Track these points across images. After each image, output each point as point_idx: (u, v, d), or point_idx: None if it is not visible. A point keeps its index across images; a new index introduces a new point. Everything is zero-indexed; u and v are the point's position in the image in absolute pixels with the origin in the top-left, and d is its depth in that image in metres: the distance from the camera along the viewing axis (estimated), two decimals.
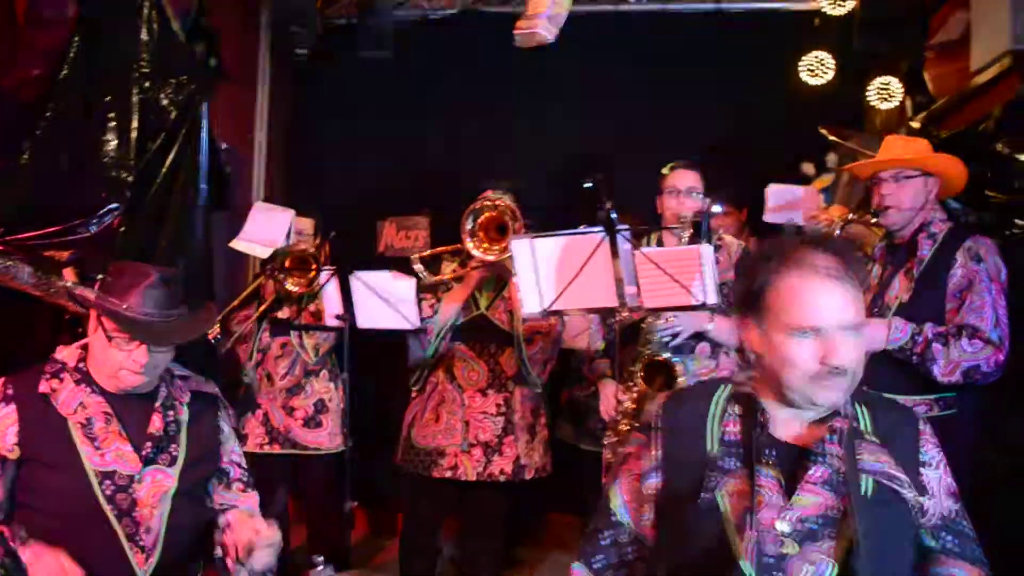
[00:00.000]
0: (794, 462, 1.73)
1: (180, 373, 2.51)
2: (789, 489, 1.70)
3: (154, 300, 2.27)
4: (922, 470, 1.76)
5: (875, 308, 3.12)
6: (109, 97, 3.81)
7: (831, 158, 4.43)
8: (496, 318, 3.70)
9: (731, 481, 1.74)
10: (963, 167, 3.12)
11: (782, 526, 1.68)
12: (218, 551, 2.39)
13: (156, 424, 2.34)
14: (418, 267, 3.59)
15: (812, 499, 1.69)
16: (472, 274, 3.61)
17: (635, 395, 3.28)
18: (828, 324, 1.66)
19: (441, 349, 3.69)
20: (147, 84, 3.90)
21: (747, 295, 1.78)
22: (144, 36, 3.90)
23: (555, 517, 5.49)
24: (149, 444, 2.32)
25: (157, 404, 2.37)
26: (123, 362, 2.26)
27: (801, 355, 1.67)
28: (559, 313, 3.22)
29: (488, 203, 3.48)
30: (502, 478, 3.63)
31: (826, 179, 4.39)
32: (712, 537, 1.71)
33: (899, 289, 3.07)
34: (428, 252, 3.71)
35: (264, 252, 4.11)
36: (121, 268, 2.36)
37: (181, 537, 2.35)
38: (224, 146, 4.57)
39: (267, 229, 4.19)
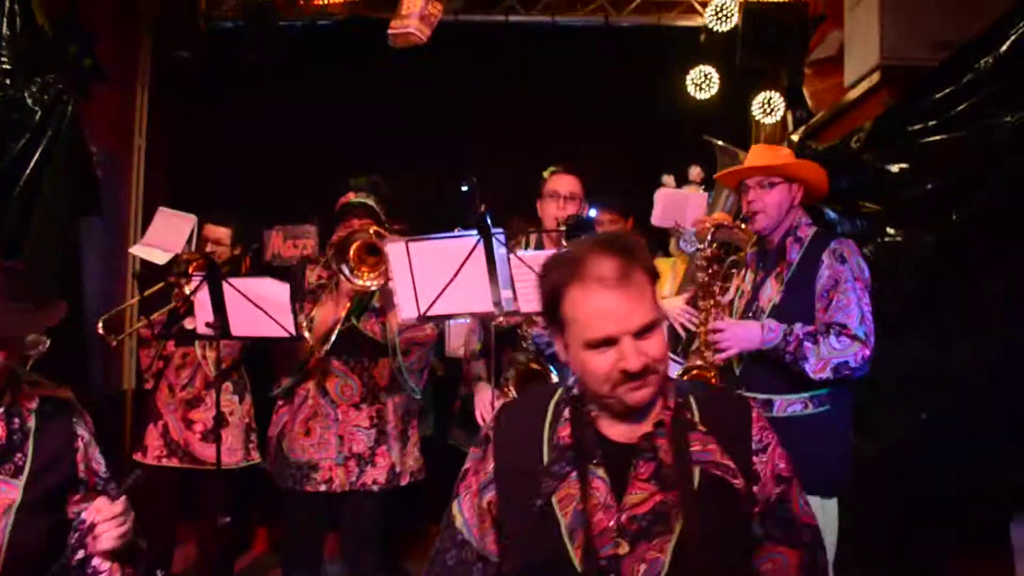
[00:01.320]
0: (622, 460, 1.71)
1: (28, 379, 2.37)
2: (620, 488, 1.69)
3: None
4: (754, 458, 1.75)
5: (750, 312, 3.22)
6: None
7: (694, 170, 4.56)
8: (368, 330, 3.63)
9: (563, 486, 1.71)
10: (823, 173, 3.23)
11: (612, 526, 1.66)
12: (80, 554, 2.26)
13: None
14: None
15: (642, 496, 1.68)
16: (344, 292, 3.53)
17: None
18: (615, 333, 1.63)
19: (311, 360, 3.61)
20: (7, 81, 3.73)
21: (546, 310, 1.75)
22: (5, 30, 3.73)
23: None
24: None
25: (0, 411, 2.23)
26: None
27: (599, 365, 1.65)
28: (436, 319, 3.17)
29: (355, 232, 3.40)
30: (375, 487, 3.59)
31: (693, 189, 4.51)
32: (549, 544, 1.68)
33: (771, 292, 3.17)
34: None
35: (163, 258, 3.96)
36: None
37: (26, 553, 2.20)
38: (94, 149, 4.39)
39: (168, 235, 4.05)
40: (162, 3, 5.47)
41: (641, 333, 1.64)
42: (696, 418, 1.75)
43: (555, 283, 1.70)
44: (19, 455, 2.22)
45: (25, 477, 2.21)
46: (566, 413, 1.78)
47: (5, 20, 3.72)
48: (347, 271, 3.38)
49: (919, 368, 3.62)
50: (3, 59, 3.73)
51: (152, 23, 5.71)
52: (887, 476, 3.62)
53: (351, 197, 3.65)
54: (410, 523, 4.97)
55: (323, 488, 3.55)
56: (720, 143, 4.42)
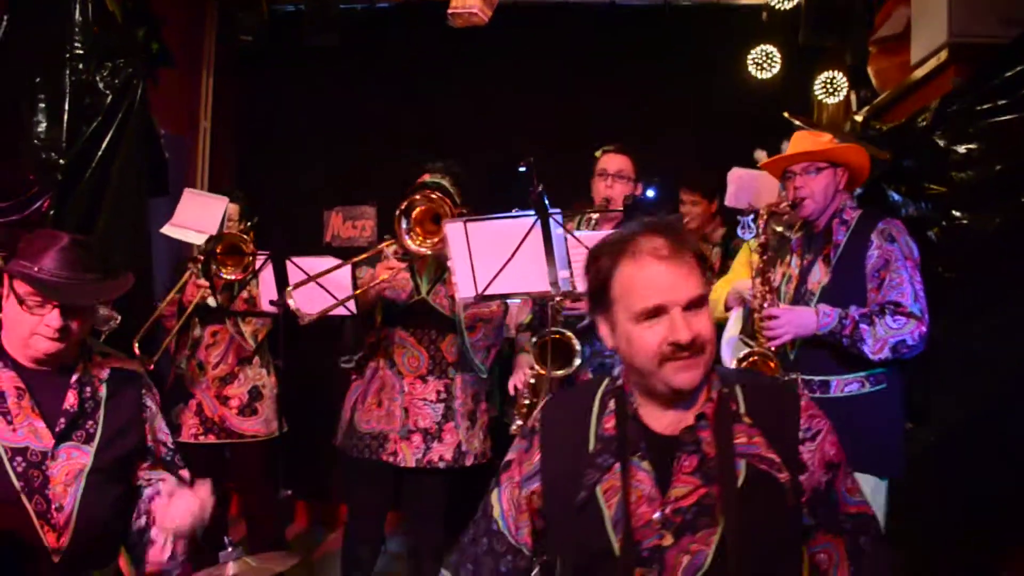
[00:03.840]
0: (667, 453, 1.71)
1: (100, 350, 2.46)
2: (664, 481, 1.69)
3: (67, 262, 2.22)
4: (801, 447, 1.73)
5: (799, 296, 3.21)
6: (39, 79, 3.73)
7: (760, 154, 4.47)
8: (437, 303, 3.66)
9: (608, 477, 1.72)
10: (866, 156, 3.23)
11: (657, 518, 1.67)
12: (141, 521, 2.35)
13: (71, 400, 2.29)
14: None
15: (685, 489, 1.68)
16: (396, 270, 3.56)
17: (536, 372, 3.29)
18: (665, 303, 1.64)
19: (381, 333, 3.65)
20: (80, 66, 3.84)
21: (594, 293, 1.77)
22: (78, 17, 3.83)
23: None
24: (63, 420, 2.27)
25: (73, 380, 2.32)
26: (35, 327, 2.21)
27: (647, 339, 1.66)
28: (494, 298, 3.20)
29: (419, 197, 3.42)
30: (441, 464, 3.60)
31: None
32: (593, 535, 1.70)
33: (820, 275, 3.18)
34: (363, 256, 3.59)
35: (199, 238, 4.05)
36: (33, 235, 2.31)
37: (96, 516, 2.29)
38: (163, 132, 4.50)
39: (200, 216, 4.14)
40: None
41: (690, 306, 1.66)
42: (742, 409, 1.74)
43: (605, 264, 1.72)
44: (91, 422, 2.32)
45: (96, 444, 2.31)
46: (611, 405, 1.79)
47: (77, 6, 3.83)
48: (404, 227, 3.39)
49: (983, 355, 3.54)
50: (76, 45, 3.83)
51: (217, 7, 5.83)
52: (944, 463, 3.55)
53: (426, 178, 3.67)
54: (473, 500, 5.01)
55: (390, 460, 3.58)
56: (800, 121, 4.33)
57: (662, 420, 1.75)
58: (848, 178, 3.23)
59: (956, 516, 3.58)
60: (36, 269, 2.20)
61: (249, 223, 4.37)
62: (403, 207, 3.40)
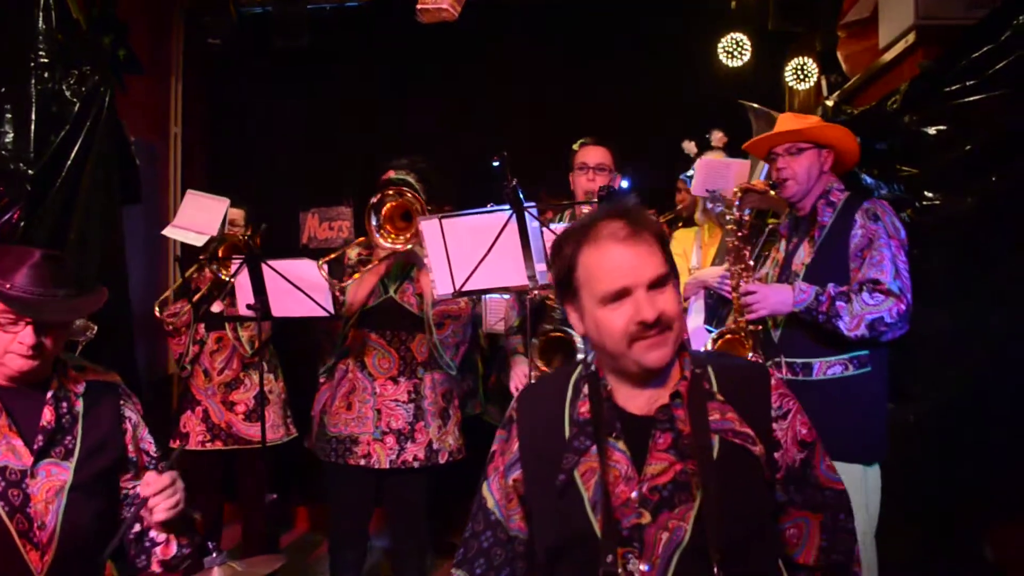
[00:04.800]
0: (642, 433, 1.73)
1: (75, 363, 2.43)
2: (640, 460, 1.71)
3: (39, 278, 2.19)
4: (774, 424, 1.76)
5: (783, 277, 3.21)
6: (4, 88, 3.68)
7: (716, 135, 4.49)
8: (405, 301, 3.66)
9: (585, 460, 1.74)
10: (853, 137, 3.22)
11: (634, 497, 1.68)
12: (136, 528, 2.33)
13: (47, 416, 2.26)
14: (323, 273, 3.50)
15: (661, 466, 1.70)
16: (380, 262, 3.57)
17: (539, 370, 3.29)
18: (629, 284, 1.67)
19: (349, 336, 3.64)
20: (46, 75, 3.78)
21: (560, 281, 1.79)
22: (41, 25, 3.76)
23: None
24: (41, 437, 2.24)
25: (48, 396, 2.29)
26: (8, 345, 2.18)
27: (614, 322, 1.68)
28: (472, 293, 3.20)
29: (390, 193, 3.43)
30: (416, 464, 3.62)
31: (717, 155, 4.44)
32: (574, 518, 1.71)
33: (804, 255, 3.17)
34: (331, 256, 3.60)
35: (199, 240, 4.03)
36: (4, 251, 2.28)
37: (79, 532, 2.26)
38: (133, 139, 4.45)
39: (201, 217, 4.11)
40: None
41: (654, 285, 1.68)
42: (714, 387, 1.77)
43: (568, 251, 1.74)
44: (69, 438, 2.29)
45: (76, 459, 2.28)
46: (585, 389, 1.81)
47: (41, 14, 3.76)
48: (375, 224, 3.41)
49: (959, 334, 3.57)
50: (41, 53, 3.77)
51: (183, 12, 5.77)
52: (925, 443, 3.58)
53: (391, 174, 3.68)
54: (456, 496, 5.02)
55: (363, 462, 3.59)
56: (755, 106, 4.36)
57: (636, 401, 1.77)
58: (834, 160, 3.21)
59: (936, 495, 3.61)
60: (8, 286, 2.16)
61: (255, 228, 4.34)
62: (373, 203, 3.42)
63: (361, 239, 3.66)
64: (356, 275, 3.59)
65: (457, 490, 4.87)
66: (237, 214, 4.33)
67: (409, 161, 3.74)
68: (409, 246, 3.46)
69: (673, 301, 1.71)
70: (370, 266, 3.58)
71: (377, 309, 3.64)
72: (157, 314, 4.12)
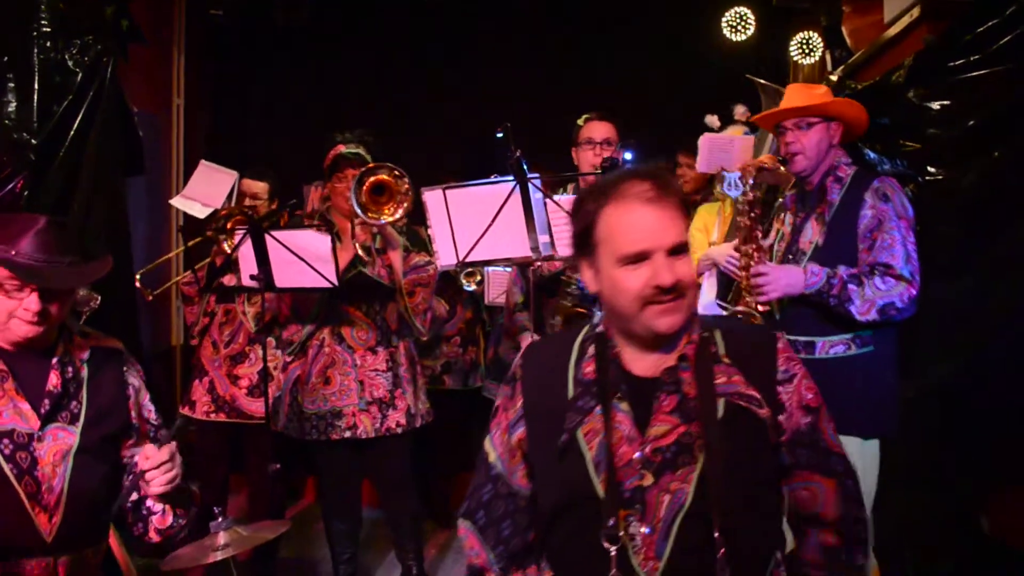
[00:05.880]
0: (647, 394, 1.73)
1: (80, 330, 2.45)
2: (643, 421, 1.71)
3: (45, 245, 2.20)
4: (779, 388, 1.76)
5: (790, 255, 3.19)
6: (7, 57, 3.67)
7: (739, 109, 4.47)
8: (376, 274, 3.66)
9: (588, 420, 1.75)
10: (862, 109, 3.19)
11: (637, 458, 1.69)
12: (134, 496, 2.36)
13: (53, 381, 2.28)
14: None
15: (664, 428, 1.70)
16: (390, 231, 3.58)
17: None
18: (650, 247, 1.66)
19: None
20: (48, 44, 3.77)
21: (578, 236, 1.78)
22: None
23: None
24: (47, 401, 2.26)
25: (54, 361, 2.31)
26: (14, 311, 2.19)
27: (631, 283, 1.68)
28: (475, 264, 3.21)
29: (372, 167, 3.42)
30: (399, 430, 3.67)
31: (738, 129, 4.42)
32: (576, 477, 1.72)
33: (812, 234, 3.14)
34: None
35: (202, 211, 4.02)
36: (9, 218, 2.30)
37: (86, 495, 2.29)
38: (136, 110, 4.45)
39: (208, 190, 4.10)
40: None
41: (673, 251, 1.67)
42: (721, 351, 1.77)
43: (590, 206, 1.73)
44: (75, 403, 2.32)
45: (82, 423, 2.31)
46: (591, 350, 1.82)
47: None
48: (360, 211, 3.39)
49: (961, 309, 3.58)
50: (43, 22, 3.76)
51: None
52: (929, 418, 3.60)
53: (341, 149, 3.68)
54: (443, 467, 5.06)
55: (348, 435, 3.62)
56: (763, 82, 4.35)
57: (642, 363, 1.77)
58: (843, 132, 3.18)
59: (935, 465, 3.64)
60: (13, 253, 2.17)
61: (281, 203, 4.28)
62: (355, 178, 3.40)
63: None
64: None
65: (433, 453, 4.94)
66: (260, 187, 4.28)
67: (356, 133, 3.74)
68: (397, 215, 3.44)
69: (690, 269, 1.71)
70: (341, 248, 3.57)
71: (350, 283, 3.64)
72: (137, 284, 4.11)
